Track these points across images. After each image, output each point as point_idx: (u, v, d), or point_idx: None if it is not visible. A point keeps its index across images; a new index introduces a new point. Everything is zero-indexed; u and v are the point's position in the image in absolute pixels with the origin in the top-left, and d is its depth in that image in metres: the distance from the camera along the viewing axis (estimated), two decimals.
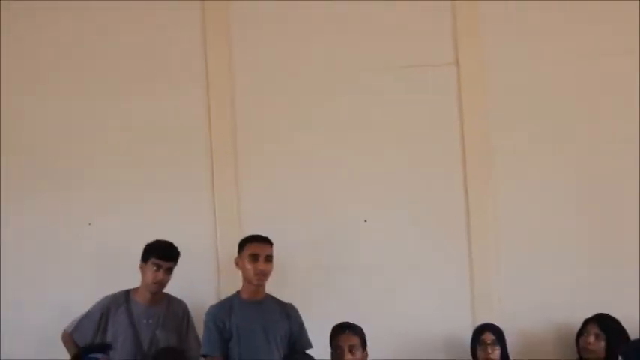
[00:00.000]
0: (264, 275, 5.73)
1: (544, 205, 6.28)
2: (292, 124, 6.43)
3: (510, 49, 6.38)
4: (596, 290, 6.15)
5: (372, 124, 6.40)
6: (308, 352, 5.72)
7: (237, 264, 5.81)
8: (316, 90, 6.45)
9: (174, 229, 6.23)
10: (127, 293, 5.99)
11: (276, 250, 5.78)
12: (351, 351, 5.66)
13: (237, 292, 5.82)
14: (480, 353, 5.88)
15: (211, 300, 6.05)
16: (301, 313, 5.85)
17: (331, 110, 6.43)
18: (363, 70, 6.43)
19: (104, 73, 6.48)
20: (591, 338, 5.91)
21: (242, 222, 6.31)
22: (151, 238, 5.99)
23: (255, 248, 5.73)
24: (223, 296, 6.03)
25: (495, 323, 5.96)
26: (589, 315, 5.97)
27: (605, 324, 5.91)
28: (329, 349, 5.75)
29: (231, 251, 5.97)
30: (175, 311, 6.01)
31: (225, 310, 5.73)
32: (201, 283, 6.29)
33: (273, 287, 5.86)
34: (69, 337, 5.91)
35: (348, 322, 5.74)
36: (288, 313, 5.82)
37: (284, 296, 5.88)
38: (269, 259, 5.74)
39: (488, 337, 5.89)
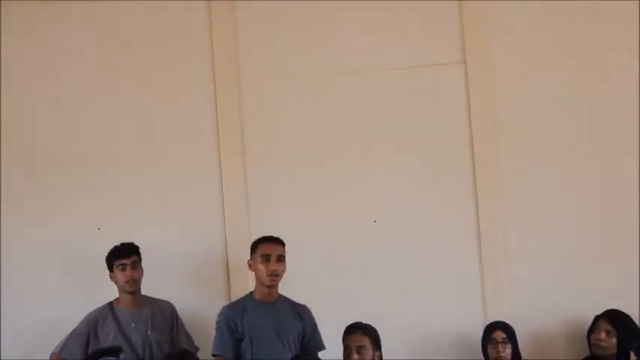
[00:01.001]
0: (276, 276, 5.72)
1: (554, 204, 6.27)
2: (300, 124, 6.44)
3: (518, 47, 6.37)
4: (607, 287, 6.13)
5: (379, 123, 6.40)
6: (321, 353, 5.72)
7: (250, 266, 5.81)
8: (323, 89, 6.46)
9: (183, 231, 6.32)
10: (110, 305, 6.02)
11: (286, 251, 5.79)
12: (358, 352, 5.64)
13: (250, 292, 5.83)
14: (490, 351, 5.88)
15: (221, 300, 6.08)
16: (314, 314, 5.85)
17: (339, 111, 6.43)
18: (370, 69, 6.43)
19: (110, 72, 6.50)
20: (602, 335, 5.90)
21: (251, 223, 6.32)
22: (160, 240, 6.05)
23: (267, 249, 5.73)
24: (233, 297, 6.07)
25: (506, 322, 5.96)
26: (599, 312, 5.96)
27: (616, 320, 5.90)
28: (337, 351, 5.74)
29: (240, 252, 6.01)
30: (163, 311, 6.03)
31: (237, 311, 5.73)
32: (211, 283, 6.30)
33: (283, 287, 5.85)
34: (57, 358, 5.95)
35: (359, 323, 5.72)
36: (301, 314, 5.81)
37: (295, 297, 5.88)
38: (281, 259, 5.74)
39: (499, 335, 5.88)
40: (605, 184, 6.25)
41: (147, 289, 6.07)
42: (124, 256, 5.94)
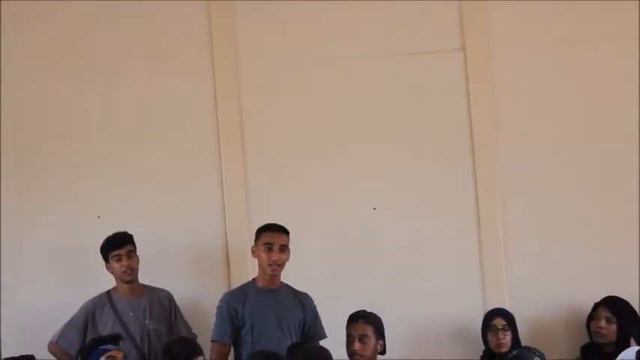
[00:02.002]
0: (278, 265, 5.72)
1: (554, 191, 6.27)
2: (299, 113, 6.43)
3: (517, 34, 6.37)
4: (606, 274, 6.13)
5: (379, 111, 6.39)
6: (322, 342, 5.71)
7: (253, 252, 5.80)
8: (322, 77, 6.44)
9: (183, 219, 6.31)
10: (108, 293, 6.01)
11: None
12: (361, 340, 5.59)
13: (253, 279, 5.83)
14: (491, 338, 5.88)
15: (221, 289, 6.06)
16: (315, 302, 5.87)
17: (338, 99, 6.42)
18: (369, 58, 6.42)
19: (111, 64, 6.48)
20: (602, 322, 5.91)
21: (250, 212, 6.32)
22: (160, 228, 6.05)
23: (269, 237, 5.73)
24: (233, 285, 6.05)
25: (506, 308, 5.97)
26: (599, 299, 5.97)
27: (615, 307, 5.91)
28: (341, 339, 5.69)
29: (240, 241, 6.03)
30: (160, 300, 6.03)
31: (239, 297, 5.73)
32: (211, 272, 6.30)
33: (284, 275, 5.85)
34: (55, 347, 5.95)
35: (363, 311, 5.67)
36: (302, 302, 5.82)
37: (295, 285, 5.88)
38: (284, 248, 5.74)
39: (499, 322, 5.89)
40: (604, 173, 6.26)
41: (146, 277, 6.06)
42: (118, 247, 5.92)
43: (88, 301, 6.00)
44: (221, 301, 5.77)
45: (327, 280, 6.22)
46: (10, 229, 6.41)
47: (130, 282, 5.96)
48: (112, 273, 5.96)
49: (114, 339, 5.55)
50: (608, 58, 6.33)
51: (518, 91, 6.35)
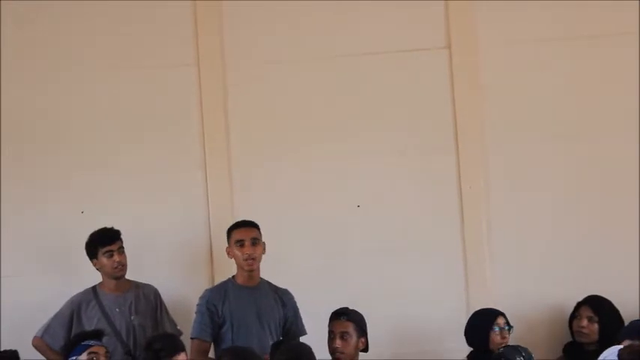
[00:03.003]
0: (253, 259, 5.73)
1: (538, 189, 6.28)
2: (284, 109, 6.43)
3: (504, 31, 6.36)
4: (590, 273, 6.16)
5: (364, 109, 6.38)
6: (304, 338, 5.72)
7: (228, 253, 5.83)
8: (308, 74, 6.44)
9: (166, 215, 6.32)
10: (93, 289, 6.01)
11: (270, 236, 5.81)
12: (342, 338, 5.61)
13: (233, 277, 5.84)
14: (494, 337, 5.77)
15: (205, 285, 6.08)
16: (296, 298, 5.87)
17: (323, 95, 6.42)
18: (354, 55, 6.41)
19: (96, 60, 6.47)
20: (584, 322, 5.91)
21: (235, 208, 6.31)
22: (143, 224, 6.07)
23: (240, 234, 5.75)
24: (217, 281, 6.06)
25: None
26: (581, 298, 5.98)
27: (598, 306, 5.92)
28: (324, 336, 5.70)
29: (224, 237, 5.98)
30: (146, 295, 6.02)
31: (219, 294, 5.74)
32: (195, 269, 6.30)
33: (267, 273, 5.86)
34: (39, 342, 5.93)
35: (345, 309, 5.69)
36: (283, 299, 5.83)
37: (278, 282, 5.89)
38: (256, 242, 5.75)
39: (502, 321, 5.84)
40: (589, 170, 6.27)
41: (130, 273, 6.04)
42: (109, 243, 5.91)
43: (74, 297, 6.00)
44: (201, 298, 5.78)
45: (311, 276, 6.22)
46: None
47: (119, 278, 5.95)
48: (101, 269, 5.95)
49: (97, 335, 5.55)
50: (593, 56, 6.33)
51: (504, 89, 6.35)
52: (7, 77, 6.46)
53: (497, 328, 5.77)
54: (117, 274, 5.93)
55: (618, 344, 5.04)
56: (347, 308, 5.70)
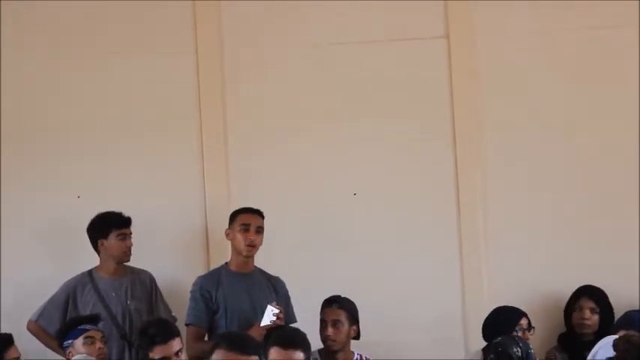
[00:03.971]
0: (253, 247, 5.73)
1: (534, 179, 6.28)
2: (281, 96, 6.40)
3: (502, 21, 6.35)
4: (584, 263, 6.17)
5: (361, 98, 6.37)
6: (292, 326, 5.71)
7: (227, 235, 5.81)
8: (305, 60, 6.42)
9: (162, 201, 6.30)
10: (89, 273, 5.99)
11: (265, 223, 5.80)
12: (334, 326, 5.61)
13: (226, 263, 5.84)
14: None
15: (200, 272, 6.03)
16: (290, 287, 5.87)
17: (320, 83, 6.40)
18: (352, 43, 6.40)
19: (95, 47, 6.43)
20: (587, 313, 5.93)
21: (231, 194, 6.29)
22: (139, 209, 6.04)
23: (246, 219, 5.74)
24: (212, 267, 6.03)
25: (484, 298, 6.02)
26: (575, 288, 6.01)
27: (598, 297, 5.95)
28: (315, 324, 5.69)
29: (219, 223, 6.00)
30: (142, 281, 6.02)
31: (212, 280, 5.74)
32: (190, 254, 6.28)
33: (261, 260, 5.87)
34: (34, 325, 5.90)
35: (337, 297, 5.69)
36: (275, 286, 5.83)
37: (273, 269, 5.89)
38: (259, 230, 5.76)
39: (525, 322, 5.74)
40: (587, 162, 6.28)
41: None
42: (125, 226, 5.92)
43: (69, 280, 5.99)
44: (194, 285, 5.78)
45: (305, 263, 6.22)
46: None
47: (123, 262, 5.95)
48: (106, 250, 5.93)
49: (93, 319, 5.56)
50: (592, 48, 6.34)
51: (502, 79, 6.35)
52: (6, 64, 6.42)
53: (519, 329, 5.69)
54: (124, 259, 5.93)
55: (613, 334, 5.06)
56: (339, 296, 5.71)
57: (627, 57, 6.31)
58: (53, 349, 5.81)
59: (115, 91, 6.42)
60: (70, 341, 5.38)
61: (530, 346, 4.99)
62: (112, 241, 5.91)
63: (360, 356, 5.73)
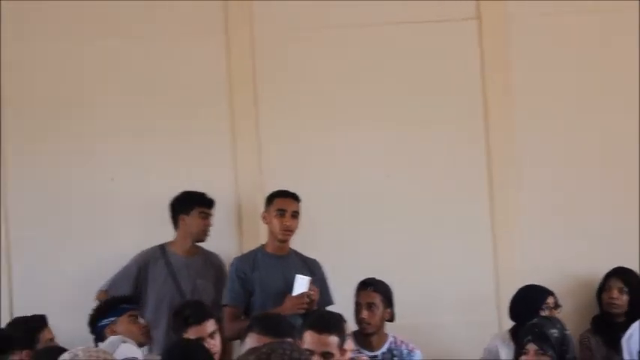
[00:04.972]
0: (289, 231, 5.75)
1: (567, 161, 6.28)
2: (313, 77, 6.40)
3: (533, 3, 6.32)
4: (617, 246, 6.15)
5: (393, 80, 6.36)
6: (329, 308, 5.69)
7: (263, 218, 5.83)
8: (337, 43, 6.42)
9: (195, 182, 6.24)
10: (162, 247, 6.04)
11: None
12: (369, 308, 5.62)
13: (262, 245, 5.85)
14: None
15: (233, 253, 6.07)
16: (324, 268, 5.88)
17: (352, 64, 6.39)
18: (383, 25, 6.38)
19: (128, 28, 6.44)
20: (615, 293, 5.93)
21: (263, 176, 6.31)
22: (172, 191, 6.03)
23: (282, 203, 5.75)
24: (245, 250, 6.06)
25: (516, 280, 5.93)
26: (608, 269, 6.00)
27: (627, 278, 5.94)
28: (351, 306, 5.70)
29: (251, 205, 6.04)
30: (213, 263, 6.08)
31: (248, 262, 5.77)
32: (223, 236, 6.26)
33: (295, 242, 5.87)
34: (105, 296, 5.90)
35: (372, 279, 5.68)
36: (311, 268, 5.82)
37: (306, 251, 5.89)
38: (295, 215, 5.77)
39: (552, 300, 5.71)
40: (620, 145, 6.27)
41: (155, 240, 6.09)
42: (209, 206, 6.01)
43: (141, 253, 6.05)
44: (231, 265, 5.82)
45: (339, 246, 6.22)
46: (22, 189, 6.38)
47: (201, 241, 6.02)
48: (186, 225, 6.01)
49: (133, 299, 5.60)
50: (627, 27, 6.30)
51: (533, 60, 6.34)
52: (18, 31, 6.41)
53: (546, 308, 5.68)
54: (202, 237, 6.01)
55: None
56: (373, 279, 5.70)
57: None
58: None
59: (147, 74, 6.42)
60: (112, 319, 5.38)
61: (565, 326, 5.00)
62: (193, 217, 5.98)
63: (395, 339, 5.73)
